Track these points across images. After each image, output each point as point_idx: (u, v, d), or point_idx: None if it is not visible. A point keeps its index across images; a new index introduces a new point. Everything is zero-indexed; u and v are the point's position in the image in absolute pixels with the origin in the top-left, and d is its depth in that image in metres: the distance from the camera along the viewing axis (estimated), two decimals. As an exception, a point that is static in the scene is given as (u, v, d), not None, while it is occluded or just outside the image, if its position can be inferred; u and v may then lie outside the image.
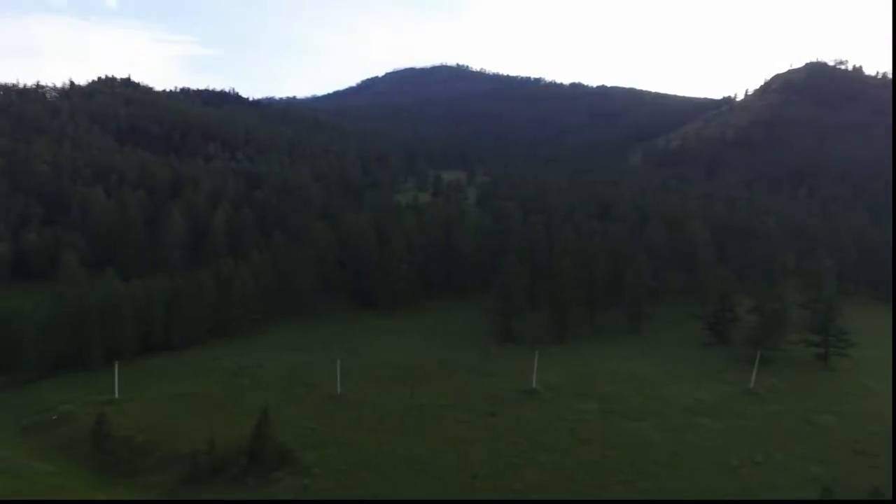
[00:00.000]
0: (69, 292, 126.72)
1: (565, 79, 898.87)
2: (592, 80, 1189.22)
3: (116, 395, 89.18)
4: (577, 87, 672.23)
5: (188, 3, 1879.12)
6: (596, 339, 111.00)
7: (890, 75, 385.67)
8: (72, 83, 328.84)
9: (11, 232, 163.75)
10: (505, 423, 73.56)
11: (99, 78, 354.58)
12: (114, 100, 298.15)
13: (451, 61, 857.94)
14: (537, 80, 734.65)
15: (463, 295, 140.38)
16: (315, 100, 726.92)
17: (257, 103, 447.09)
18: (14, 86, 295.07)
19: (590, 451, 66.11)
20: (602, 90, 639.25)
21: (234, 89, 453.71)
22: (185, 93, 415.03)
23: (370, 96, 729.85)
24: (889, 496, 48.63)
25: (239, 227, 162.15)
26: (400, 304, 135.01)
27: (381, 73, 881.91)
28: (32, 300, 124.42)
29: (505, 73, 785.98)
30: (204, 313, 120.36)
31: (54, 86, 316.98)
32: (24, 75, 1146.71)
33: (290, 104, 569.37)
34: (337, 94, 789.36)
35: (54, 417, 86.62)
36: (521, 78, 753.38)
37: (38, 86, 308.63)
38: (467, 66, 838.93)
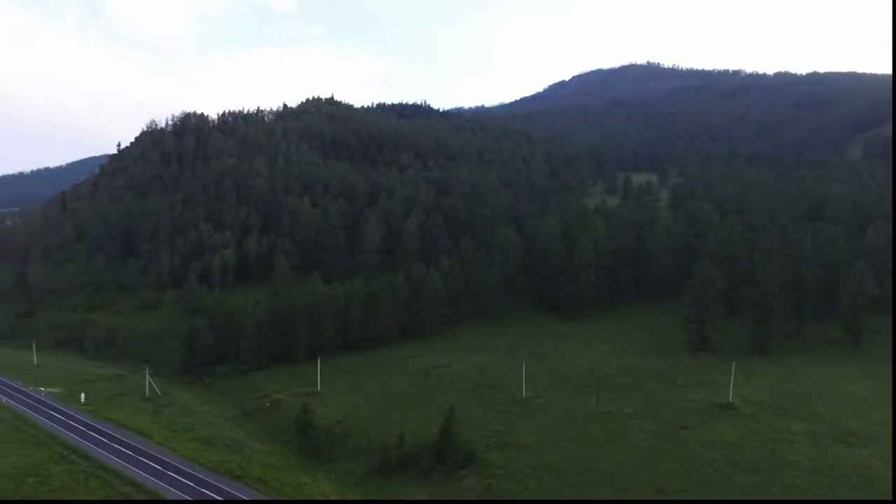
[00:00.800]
0: (280, 293, 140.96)
1: (769, 69, 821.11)
2: (801, 67, 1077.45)
3: (319, 388, 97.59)
4: (783, 77, 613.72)
5: (384, 26, 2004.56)
6: (804, 352, 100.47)
7: None
8: (285, 105, 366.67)
9: (237, 239, 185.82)
10: (697, 438, 69.33)
11: (307, 99, 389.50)
12: (319, 118, 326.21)
13: (641, 60, 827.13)
14: (736, 73, 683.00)
15: (653, 301, 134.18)
16: (502, 107, 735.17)
17: (447, 114, 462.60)
18: (240, 112, 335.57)
19: (796, 475, 60.21)
20: (813, 77, 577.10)
21: (425, 102, 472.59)
22: (381, 108, 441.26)
23: (557, 100, 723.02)
24: None
25: (430, 233, 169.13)
26: (587, 308, 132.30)
27: (567, 77, 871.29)
28: (252, 300, 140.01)
29: (699, 68, 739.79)
30: (397, 314, 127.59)
31: (271, 109, 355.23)
32: (248, 101, 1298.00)
33: (479, 113, 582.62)
34: (524, 101, 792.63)
35: (267, 405, 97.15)
36: (718, 72, 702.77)
37: (258, 110, 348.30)
38: (658, 64, 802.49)
